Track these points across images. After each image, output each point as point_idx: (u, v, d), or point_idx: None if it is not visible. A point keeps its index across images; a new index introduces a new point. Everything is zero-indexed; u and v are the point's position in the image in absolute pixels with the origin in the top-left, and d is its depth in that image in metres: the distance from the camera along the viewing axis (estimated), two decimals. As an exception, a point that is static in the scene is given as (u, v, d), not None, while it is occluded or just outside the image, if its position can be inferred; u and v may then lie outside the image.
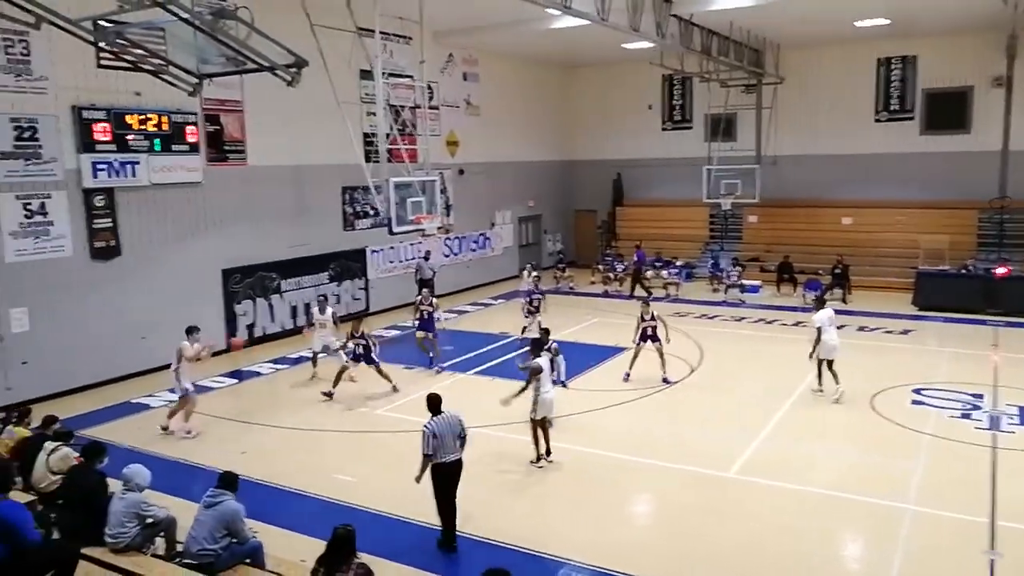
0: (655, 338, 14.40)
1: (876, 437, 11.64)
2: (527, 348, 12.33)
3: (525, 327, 17.46)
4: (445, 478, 8.37)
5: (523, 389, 10.48)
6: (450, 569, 8.20)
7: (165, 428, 12.27)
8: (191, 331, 12.23)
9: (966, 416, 12.36)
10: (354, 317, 14.51)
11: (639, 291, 22.99)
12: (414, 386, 14.02)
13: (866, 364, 15.20)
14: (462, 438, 8.47)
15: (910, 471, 10.31)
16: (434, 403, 8.51)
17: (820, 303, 14.42)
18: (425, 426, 8.32)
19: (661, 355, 14.40)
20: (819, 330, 13.20)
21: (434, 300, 15.86)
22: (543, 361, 10.59)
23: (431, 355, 15.69)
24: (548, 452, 10.64)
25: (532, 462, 10.60)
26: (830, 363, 13.26)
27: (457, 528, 8.53)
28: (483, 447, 11.23)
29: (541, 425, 10.59)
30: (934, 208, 23.79)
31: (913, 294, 21.02)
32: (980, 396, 13.22)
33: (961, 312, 19.61)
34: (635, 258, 23.97)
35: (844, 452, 11.11)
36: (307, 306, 18.27)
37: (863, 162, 25.05)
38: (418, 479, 8.43)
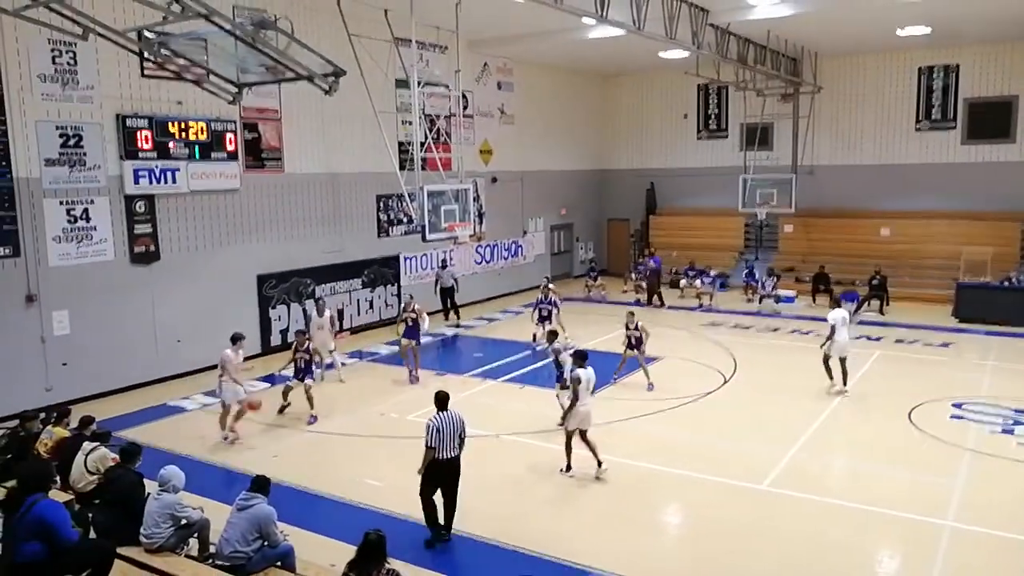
0: (638, 347, 14.57)
1: (914, 451, 11.41)
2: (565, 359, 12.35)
3: (535, 335, 17.51)
4: (438, 474, 8.52)
5: (572, 404, 10.34)
6: (479, 577, 8.21)
7: (231, 433, 12.10)
8: (236, 339, 12.07)
9: (1007, 432, 12.06)
10: (298, 332, 14.25)
11: (657, 298, 22.94)
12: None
13: (904, 377, 14.96)
14: (462, 439, 8.61)
15: (949, 487, 10.07)
16: (442, 400, 8.71)
17: (836, 303, 14.88)
18: (430, 419, 8.49)
19: (643, 365, 14.61)
20: (833, 328, 13.65)
21: (417, 307, 15.57)
22: (583, 373, 10.53)
23: (411, 369, 15.25)
24: (599, 463, 10.46)
25: (562, 471, 10.55)
26: (842, 360, 13.75)
27: (468, 531, 8.59)
28: (513, 454, 11.27)
29: (577, 437, 10.49)
30: (976, 219, 23.29)
31: (953, 306, 20.60)
32: (1022, 412, 12.89)
33: (1003, 325, 19.17)
34: (651, 264, 23.52)
35: (880, 466, 10.89)
36: (339, 312, 18.48)
37: (903, 172, 24.62)
38: (420, 471, 8.56)
